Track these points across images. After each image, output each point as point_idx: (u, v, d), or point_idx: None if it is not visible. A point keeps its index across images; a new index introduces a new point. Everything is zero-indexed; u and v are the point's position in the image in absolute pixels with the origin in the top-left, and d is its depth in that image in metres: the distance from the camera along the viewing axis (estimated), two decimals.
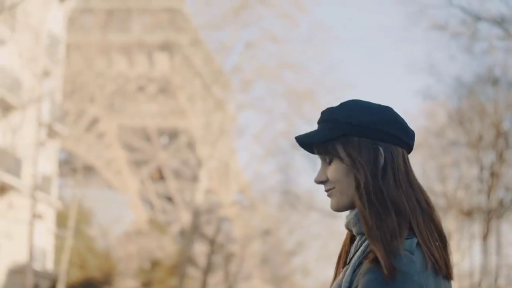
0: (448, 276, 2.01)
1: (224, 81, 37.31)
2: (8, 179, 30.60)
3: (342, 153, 2.03)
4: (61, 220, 36.21)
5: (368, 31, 79.91)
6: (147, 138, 69.91)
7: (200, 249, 38.21)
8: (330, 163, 2.06)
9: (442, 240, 2.02)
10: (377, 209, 1.97)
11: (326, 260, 53.63)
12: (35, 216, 33.51)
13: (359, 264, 1.97)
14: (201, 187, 35.07)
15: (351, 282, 1.96)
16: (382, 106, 2.09)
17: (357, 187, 2.00)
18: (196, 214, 35.67)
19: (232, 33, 35.99)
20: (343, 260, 2.11)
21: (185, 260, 35.40)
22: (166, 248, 49.59)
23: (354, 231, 2.06)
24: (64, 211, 36.18)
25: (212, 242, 36.97)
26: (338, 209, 2.06)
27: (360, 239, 2.04)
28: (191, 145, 70.84)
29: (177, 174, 74.01)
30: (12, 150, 31.08)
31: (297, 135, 2.08)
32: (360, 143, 2.02)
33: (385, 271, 1.87)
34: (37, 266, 33.96)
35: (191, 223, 36.08)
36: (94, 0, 55.31)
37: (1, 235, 31.43)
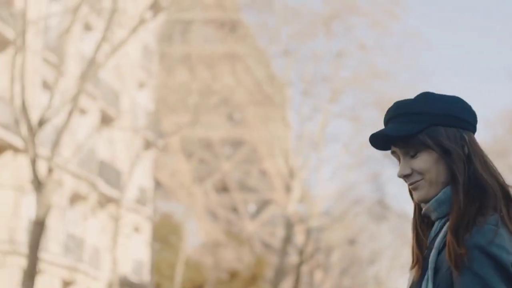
0: None
1: (285, 92, 37.28)
2: (109, 191, 30.64)
3: (432, 143, 2.08)
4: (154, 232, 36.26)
5: (460, 38, 79.43)
6: (211, 149, 70.01)
7: (289, 260, 38.10)
8: (414, 156, 2.11)
9: None
10: (470, 194, 2.06)
11: (398, 270, 53.10)
12: (134, 228, 33.56)
13: (444, 245, 2.06)
14: (293, 198, 34.96)
15: (436, 263, 2.06)
16: (454, 96, 2.16)
17: (453, 174, 2.07)
18: (289, 225, 35.50)
19: (322, 43, 35.83)
20: (418, 254, 2.15)
21: (279, 271, 35.21)
22: (244, 259, 49.50)
23: (434, 216, 2.13)
24: (157, 224, 36.22)
25: (301, 252, 36.78)
26: (426, 199, 2.11)
27: (439, 223, 2.12)
28: (254, 156, 70.73)
29: (241, 185, 73.92)
30: (112, 162, 31.14)
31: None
32: (447, 131, 2.09)
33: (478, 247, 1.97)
34: (135, 278, 33.98)
35: (284, 234, 35.87)
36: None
37: (102, 248, 31.47)
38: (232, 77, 45.23)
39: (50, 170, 18.83)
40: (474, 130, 2.16)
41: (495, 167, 2.13)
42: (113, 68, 30.93)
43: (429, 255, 2.11)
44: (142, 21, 21.56)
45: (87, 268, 29.78)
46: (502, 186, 2.12)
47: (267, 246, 64.60)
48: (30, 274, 18.49)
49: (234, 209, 74.15)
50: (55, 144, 19.70)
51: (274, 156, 40.84)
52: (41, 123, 19.18)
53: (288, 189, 35.11)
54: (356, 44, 35.89)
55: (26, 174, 26.69)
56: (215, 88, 38.63)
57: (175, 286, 34.21)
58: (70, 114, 19.45)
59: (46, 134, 27.20)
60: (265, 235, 68.38)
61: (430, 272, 2.07)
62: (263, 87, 40.49)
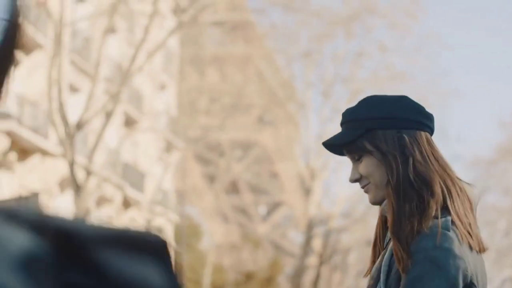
0: (480, 250, 2.10)
1: (296, 95, 37.30)
2: (133, 194, 30.65)
3: (370, 148, 2.13)
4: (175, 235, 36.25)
5: (480, 39, 79.20)
6: (221, 151, 69.97)
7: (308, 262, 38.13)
8: (359, 160, 2.16)
9: (473, 214, 2.12)
10: (406, 194, 2.05)
11: None
12: (156, 231, 33.56)
13: None
14: (314, 200, 34.98)
15: (389, 266, 2.07)
16: (398, 96, 2.19)
17: (390, 176, 2.09)
18: (310, 227, 35.49)
19: (342, 44, 35.86)
20: (378, 246, 2.18)
21: (300, 272, 35.22)
22: (259, 261, 49.49)
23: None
24: (178, 226, 36.21)
25: (320, 254, 36.81)
26: (376, 202, 2.16)
27: None
28: (264, 158, 70.75)
29: (252, 187, 73.94)
30: (135, 165, 31.15)
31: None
32: (385, 134, 2.13)
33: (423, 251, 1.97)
34: None
35: (305, 236, 35.87)
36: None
37: None
38: (256, 78, 45.34)
39: (88, 173, 18.86)
40: (421, 127, 2.17)
41: (447, 162, 2.15)
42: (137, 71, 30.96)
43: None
44: (176, 28, 21.55)
45: None
46: (452, 180, 2.11)
47: (277, 248, 64.65)
48: None
49: (244, 211, 74.20)
50: (93, 147, 19.73)
51: (292, 158, 40.88)
52: (79, 126, 19.21)
53: (307, 191, 35.10)
54: (375, 45, 35.92)
55: (53, 177, 26.72)
56: (244, 90, 38.62)
57: None
58: (108, 117, 19.49)
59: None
60: (276, 237, 68.43)
61: (382, 276, 2.10)
62: (275, 89, 40.60)
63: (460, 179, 2.14)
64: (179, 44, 34.96)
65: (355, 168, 2.18)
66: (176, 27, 22.26)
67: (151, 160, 32.17)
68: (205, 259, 38.01)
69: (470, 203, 2.14)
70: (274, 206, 73.93)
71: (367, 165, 2.14)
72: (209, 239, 48.16)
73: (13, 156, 24.95)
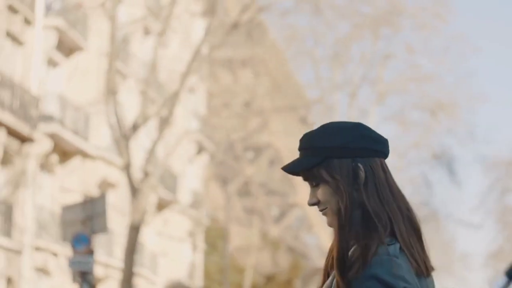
0: (427, 274, 2.16)
1: (306, 97, 37.25)
2: (166, 195, 30.65)
3: (326, 177, 2.15)
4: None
5: (507, 40, 78.58)
6: (233, 153, 69.93)
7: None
8: (317, 186, 2.18)
9: (420, 243, 2.16)
10: (353, 223, 2.10)
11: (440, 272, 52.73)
12: (187, 232, 33.58)
13: None
14: None
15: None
16: (353, 123, 2.21)
17: (341, 204, 2.13)
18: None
19: (369, 45, 35.85)
20: (330, 264, 2.21)
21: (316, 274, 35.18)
22: (279, 263, 49.49)
23: None
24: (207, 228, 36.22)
25: None
26: (333, 226, 2.18)
27: None
28: (276, 160, 70.62)
29: (264, 189, 73.83)
30: (168, 167, 31.16)
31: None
32: (341, 163, 2.15)
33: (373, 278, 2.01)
34: (189, 282, 33.99)
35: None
36: None
37: (159, 253, 31.47)
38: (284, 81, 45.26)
39: (146, 175, 18.85)
40: (377, 155, 2.18)
41: (399, 190, 2.18)
42: (166, 72, 30.97)
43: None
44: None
45: (147, 273, 29.79)
46: (401, 209, 2.15)
47: (290, 249, 64.63)
48: (127, 278, 18.50)
49: (258, 213, 74.04)
50: (151, 149, 19.73)
51: None
52: (135, 128, 19.21)
53: None
54: (403, 46, 35.93)
55: (93, 179, 26.72)
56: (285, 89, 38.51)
57: None
58: (165, 121, 19.49)
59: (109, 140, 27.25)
60: (289, 239, 68.43)
61: None
62: (285, 91, 40.62)
63: (409, 209, 2.17)
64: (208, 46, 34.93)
65: (313, 192, 2.20)
66: (209, 29, 22.21)
67: (183, 162, 32.17)
68: (231, 261, 38.02)
69: (416, 231, 2.17)
70: (287, 208, 73.92)
71: (324, 192, 2.17)
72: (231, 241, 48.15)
73: (54, 158, 24.96)
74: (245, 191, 73.95)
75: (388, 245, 2.08)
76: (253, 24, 30.17)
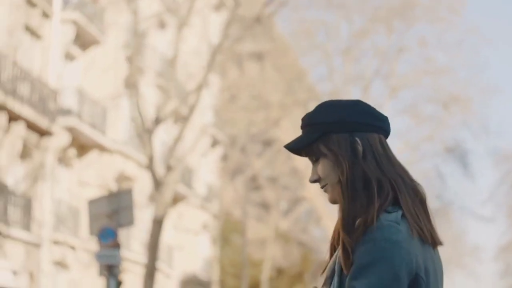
0: (433, 244, 2.19)
1: (313, 91, 37.16)
2: (181, 189, 30.67)
3: (325, 151, 2.22)
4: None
5: None
6: (241, 147, 69.94)
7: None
8: (317, 162, 2.25)
9: (426, 212, 2.20)
10: (356, 192, 2.16)
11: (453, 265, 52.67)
12: (202, 226, 33.60)
13: None
14: None
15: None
16: (352, 100, 2.28)
17: (341, 176, 2.19)
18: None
19: (383, 39, 35.81)
20: (335, 244, 2.27)
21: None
22: (290, 256, 49.52)
23: None
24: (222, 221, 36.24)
25: None
26: (333, 201, 2.24)
27: None
28: (284, 154, 70.58)
29: (273, 183, 73.77)
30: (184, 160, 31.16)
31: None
32: (339, 138, 2.22)
33: (371, 242, 2.07)
34: (205, 276, 34.03)
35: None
36: None
37: (174, 246, 31.50)
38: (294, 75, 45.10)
39: (169, 169, 18.85)
40: (375, 130, 2.25)
41: (399, 162, 2.24)
42: (182, 67, 30.96)
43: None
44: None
45: (163, 266, 29.82)
46: (403, 179, 2.20)
47: (299, 243, 64.63)
48: (150, 272, 18.51)
49: (266, 206, 74.04)
50: (173, 143, 19.72)
51: None
52: (157, 122, 19.21)
53: None
54: (417, 39, 35.85)
55: (111, 173, 26.74)
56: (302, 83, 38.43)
57: (243, 284, 34.25)
58: (190, 112, 19.47)
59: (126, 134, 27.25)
60: (298, 232, 68.43)
61: (336, 269, 2.18)
62: (296, 85, 40.54)
63: (413, 180, 2.23)
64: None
65: (314, 169, 2.27)
66: (230, 23, 22.16)
67: (198, 156, 32.18)
68: (245, 255, 38.03)
69: (422, 202, 2.22)
70: (295, 202, 73.91)
71: (323, 167, 2.24)
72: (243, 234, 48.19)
73: (72, 152, 24.98)
74: (254, 185, 74.02)
75: (390, 212, 2.14)
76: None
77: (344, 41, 35.68)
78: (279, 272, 48.24)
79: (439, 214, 39.10)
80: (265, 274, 40.44)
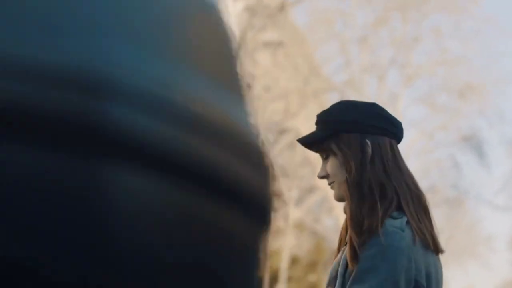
0: (436, 251, 2.22)
1: (328, 81, 37.26)
2: None
3: (335, 149, 2.25)
4: None
5: None
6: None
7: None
8: (327, 159, 2.28)
9: (429, 219, 2.23)
10: (362, 194, 2.18)
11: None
12: None
13: None
14: None
15: (347, 263, 2.19)
16: (368, 103, 2.31)
17: (348, 176, 2.22)
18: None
19: (398, 27, 35.74)
20: (343, 241, 2.29)
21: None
22: (304, 245, 49.67)
23: None
24: None
25: None
26: (339, 199, 2.28)
27: None
28: (297, 144, 70.99)
29: (285, 173, 74.14)
30: None
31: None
32: (350, 138, 2.25)
33: (374, 247, 2.10)
34: None
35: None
36: None
37: None
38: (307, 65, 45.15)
39: None
40: (386, 134, 2.26)
41: (408, 169, 2.27)
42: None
43: None
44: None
45: None
46: (409, 186, 2.23)
47: (311, 232, 64.93)
48: None
49: (278, 196, 74.63)
50: None
51: None
52: None
53: None
54: (432, 28, 35.77)
55: None
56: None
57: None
58: None
59: None
60: (310, 221, 68.77)
61: (340, 269, 2.21)
62: (309, 75, 40.63)
63: (418, 189, 2.26)
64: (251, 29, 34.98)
65: (323, 166, 2.30)
66: (254, 11, 22.16)
67: None
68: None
69: (425, 210, 2.24)
70: (306, 191, 74.19)
71: (332, 165, 2.27)
72: None
73: None
74: None
75: (395, 218, 2.16)
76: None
77: (360, 29, 35.69)
78: (293, 261, 48.42)
79: (455, 204, 39.09)
80: (284, 263, 40.63)
